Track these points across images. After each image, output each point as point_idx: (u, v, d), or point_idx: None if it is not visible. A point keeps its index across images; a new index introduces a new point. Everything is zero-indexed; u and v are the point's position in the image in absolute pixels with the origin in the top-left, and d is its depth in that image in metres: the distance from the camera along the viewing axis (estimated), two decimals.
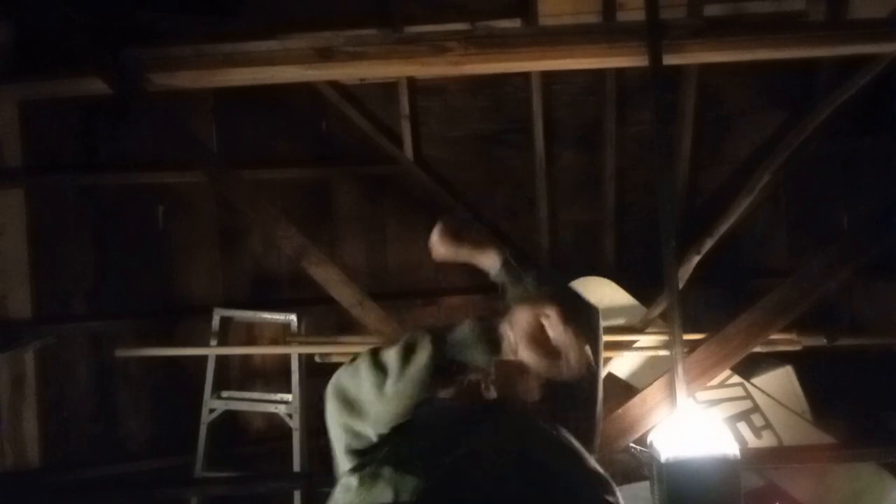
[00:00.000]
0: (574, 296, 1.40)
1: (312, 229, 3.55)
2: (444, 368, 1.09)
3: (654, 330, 3.21)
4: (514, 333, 1.03)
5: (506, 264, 1.38)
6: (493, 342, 1.07)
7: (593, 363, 1.21)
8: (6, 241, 3.31)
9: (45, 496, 3.02)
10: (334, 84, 3.73)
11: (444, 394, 1.16)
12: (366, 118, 3.87)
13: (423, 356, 1.08)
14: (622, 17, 3.41)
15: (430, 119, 3.92)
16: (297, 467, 3.38)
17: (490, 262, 1.39)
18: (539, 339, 1.00)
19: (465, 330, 1.10)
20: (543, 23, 3.41)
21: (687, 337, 2.70)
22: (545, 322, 1.00)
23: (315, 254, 2.83)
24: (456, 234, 1.38)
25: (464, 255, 1.40)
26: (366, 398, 1.10)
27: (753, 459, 2.78)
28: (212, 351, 3.48)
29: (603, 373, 1.30)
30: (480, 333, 1.09)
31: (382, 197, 4.05)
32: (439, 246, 1.38)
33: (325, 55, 2.71)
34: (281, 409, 3.47)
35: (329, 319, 3.64)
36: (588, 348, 1.04)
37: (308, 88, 3.60)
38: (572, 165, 4.02)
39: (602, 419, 1.30)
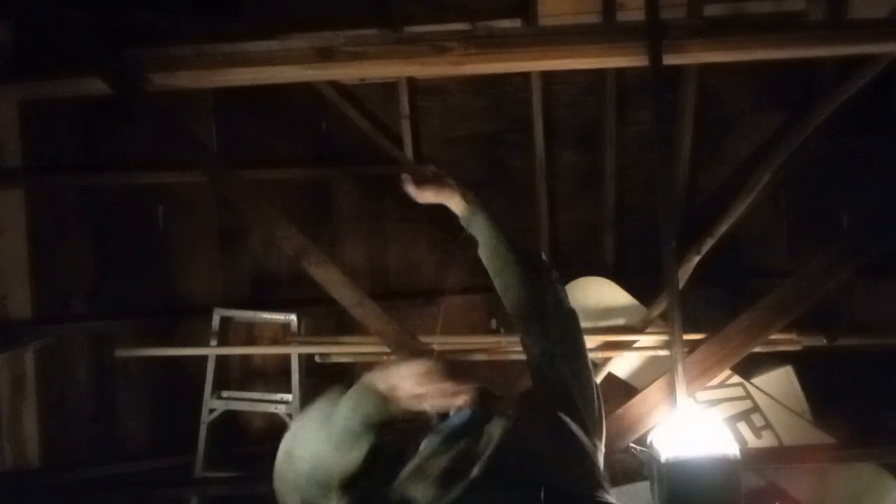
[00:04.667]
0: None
1: (312, 229, 3.54)
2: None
3: (654, 330, 3.21)
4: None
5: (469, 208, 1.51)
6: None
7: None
8: (6, 241, 3.30)
9: (45, 496, 3.03)
10: (334, 84, 3.73)
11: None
12: (366, 118, 3.87)
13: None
14: (622, 17, 3.41)
15: (430, 119, 3.92)
16: None
17: (456, 205, 1.53)
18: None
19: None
20: (543, 23, 3.40)
21: (687, 337, 2.69)
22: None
23: (315, 254, 2.82)
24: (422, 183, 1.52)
25: (437, 198, 1.54)
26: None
27: (753, 459, 2.78)
28: (212, 351, 3.47)
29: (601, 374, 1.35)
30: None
31: (382, 197, 4.04)
32: (417, 193, 1.52)
33: (325, 55, 2.71)
34: (281, 409, 3.47)
35: (329, 319, 3.64)
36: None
37: (308, 88, 3.60)
38: (572, 165, 4.03)
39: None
